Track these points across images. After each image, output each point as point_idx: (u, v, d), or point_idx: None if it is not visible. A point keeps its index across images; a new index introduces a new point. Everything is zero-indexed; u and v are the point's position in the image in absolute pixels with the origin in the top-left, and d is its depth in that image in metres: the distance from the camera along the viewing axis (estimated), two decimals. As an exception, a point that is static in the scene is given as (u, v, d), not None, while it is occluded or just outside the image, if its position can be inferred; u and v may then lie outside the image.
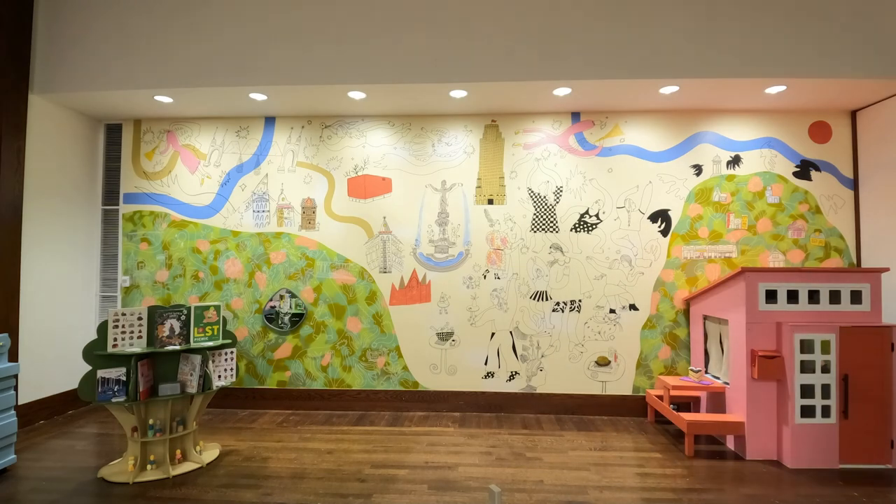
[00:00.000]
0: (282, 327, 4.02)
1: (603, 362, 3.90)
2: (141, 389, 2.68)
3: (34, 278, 3.63)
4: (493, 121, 4.03)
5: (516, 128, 4.01)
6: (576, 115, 4.00)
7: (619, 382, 3.88)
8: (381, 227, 4.05)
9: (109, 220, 4.22)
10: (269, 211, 4.11)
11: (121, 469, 2.75)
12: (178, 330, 2.85)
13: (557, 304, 3.92)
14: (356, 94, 3.62)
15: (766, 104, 3.74)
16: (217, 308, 2.98)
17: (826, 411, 2.88)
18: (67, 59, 3.58)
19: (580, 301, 3.90)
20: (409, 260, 4.02)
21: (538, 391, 3.91)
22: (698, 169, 3.91)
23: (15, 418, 2.81)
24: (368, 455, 3.06)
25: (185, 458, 2.86)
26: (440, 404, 3.95)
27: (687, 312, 3.86)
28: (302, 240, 4.08)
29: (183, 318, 2.87)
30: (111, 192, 4.22)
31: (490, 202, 4.00)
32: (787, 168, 3.87)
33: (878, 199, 3.63)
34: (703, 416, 3.13)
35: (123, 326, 2.74)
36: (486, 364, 3.96)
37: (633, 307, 3.88)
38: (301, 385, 4.03)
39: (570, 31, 3.34)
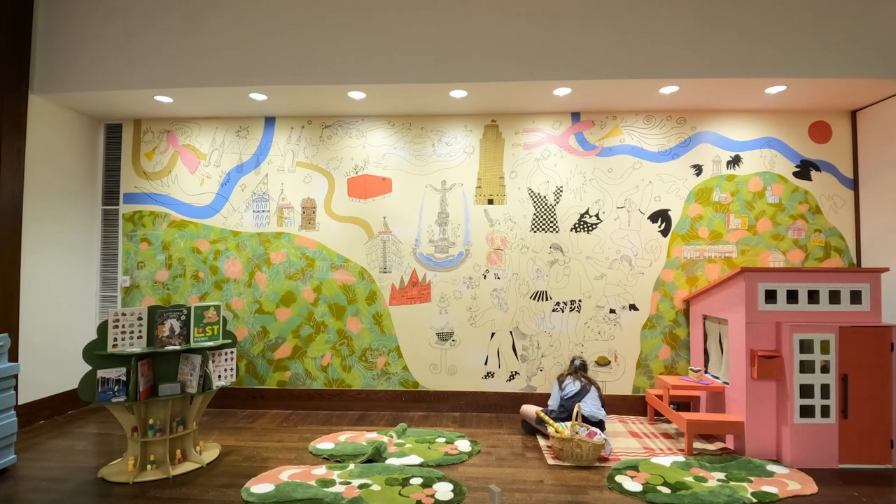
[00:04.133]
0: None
1: (603, 362, 3.90)
2: (141, 389, 2.68)
3: (34, 278, 3.63)
4: (493, 121, 4.04)
5: (516, 128, 4.02)
6: (576, 115, 4.00)
7: (620, 382, 3.88)
8: (381, 227, 4.05)
9: (109, 220, 4.22)
10: (269, 211, 4.11)
11: (121, 469, 2.75)
12: (178, 330, 2.85)
13: (557, 304, 3.92)
14: (356, 94, 3.62)
15: (765, 104, 3.74)
16: (217, 308, 2.98)
17: (825, 411, 2.88)
18: (67, 58, 3.58)
19: (580, 301, 3.91)
20: (409, 260, 4.02)
21: (538, 391, 3.91)
22: (698, 169, 3.91)
23: (15, 418, 2.81)
24: (368, 455, 3.06)
25: (185, 458, 2.86)
26: (440, 404, 3.95)
27: (687, 312, 3.86)
28: (302, 240, 4.08)
29: (183, 318, 2.87)
30: (111, 192, 4.22)
31: (490, 202, 4.00)
32: (787, 168, 3.87)
33: (878, 199, 3.63)
34: (702, 416, 3.13)
35: (123, 326, 2.74)
36: (486, 364, 3.96)
37: (633, 307, 3.88)
38: (301, 385, 4.03)
39: (571, 30, 3.34)
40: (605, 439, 2.93)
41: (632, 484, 2.61)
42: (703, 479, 2.66)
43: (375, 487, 2.54)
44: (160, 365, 2.87)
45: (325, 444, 3.19)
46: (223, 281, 4.10)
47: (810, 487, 2.58)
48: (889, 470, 2.83)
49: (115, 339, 2.71)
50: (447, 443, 3.22)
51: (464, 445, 3.17)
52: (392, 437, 3.26)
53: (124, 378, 2.67)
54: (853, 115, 3.85)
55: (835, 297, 3.03)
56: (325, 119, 4.13)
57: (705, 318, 3.63)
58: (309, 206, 4.10)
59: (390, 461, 2.90)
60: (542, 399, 3.89)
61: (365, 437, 3.30)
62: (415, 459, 2.93)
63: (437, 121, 4.07)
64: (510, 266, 3.97)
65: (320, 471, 2.75)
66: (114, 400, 2.64)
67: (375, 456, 2.90)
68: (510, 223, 3.98)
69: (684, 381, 3.32)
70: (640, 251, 3.89)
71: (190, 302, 4.10)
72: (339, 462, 2.91)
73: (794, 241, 3.84)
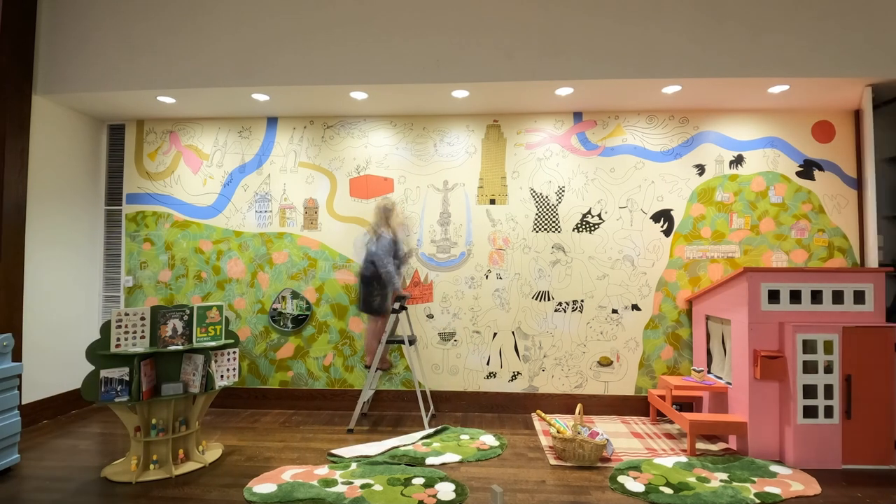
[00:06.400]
0: (285, 327, 4.03)
1: (605, 362, 3.89)
2: (144, 389, 2.69)
3: (38, 278, 3.64)
4: (495, 121, 4.03)
5: (518, 127, 4.01)
6: (578, 115, 3.99)
7: (622, 383, 3.87)
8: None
9: (112, 221, 4.23)
10: (271, 211, 4.12)
11: (124, 468, 2.76)
12: (180, 330, 2.86)
13: (559, 304, 3.92)
14: (358, 95, 3.62)
15: (768, 104, 3.73)
16: (220, 308, 2.99)
17: (829, 412, 2.87)
18: (70, 59, 3.59)
19: (582, 301, 3.90)
20: (411, 260, 4.02)
21: (540, 391, 3.91)
22: (701, 169, 3.90)
23: (18, 418, 2.81)
24: (370, 455, 3.06)
25: (187, 457, 2.87)
26: (442, 404, 3.95)
27: (689, 312, 3.85)
28: (304, 240, 4.09)
29: (185, 318, 2.88)
30: (114, 193, 4.23)
31: (492, 202, 4.00)
32: (790, 168, 3.86)
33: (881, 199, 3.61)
34: (705, 416, 3.12)
35: (126, 326, 2.75)
36: (488, 364, 3.95)
37: (635, 307, 3.87)
38: (303, 385, 4.04)
39: (573, 30, 3.34)
40: (608, 440, 2.93)
41: (634, 484, 2.60)
42: (706, 480, 2.65)
43: (377, 487, 2.54)
44: (163, 365, 2.88)
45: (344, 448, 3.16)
46: (226, 281, 4.11)
47: (813, 488, 2.58)
48: (893, 471, 2.82)
49: (118, 339, 2.72)
50: (472, 439, 3.27)
51: (490, 440, 3.25)
52: (418, 442, 3.26)
53: (127, 378, 2.68)
54: (856, 114, 3.83)
55: (838, 297, 3.02)
56: (328, 119, 4.14)
57: (708, 318, 3.62)
58: (311, 207, 4.10)
59: (430, 460, 2.92)
60: (542, 399, 3.89)
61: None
62: (453, 457, 2.97)
63: (438, 121, 4.07)
64: (512, 266, 3.96)
65: (322, 471, 2.76)
66: (117, 400, 2.65)
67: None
68: (512, 223, 3.98)
69: (687, 382, 3.31)
70: (643, 251, 3.88)
71: (192, 302, 4.11)
72: (374, 464, 2.89)
73: (798, 241, 3.83)
